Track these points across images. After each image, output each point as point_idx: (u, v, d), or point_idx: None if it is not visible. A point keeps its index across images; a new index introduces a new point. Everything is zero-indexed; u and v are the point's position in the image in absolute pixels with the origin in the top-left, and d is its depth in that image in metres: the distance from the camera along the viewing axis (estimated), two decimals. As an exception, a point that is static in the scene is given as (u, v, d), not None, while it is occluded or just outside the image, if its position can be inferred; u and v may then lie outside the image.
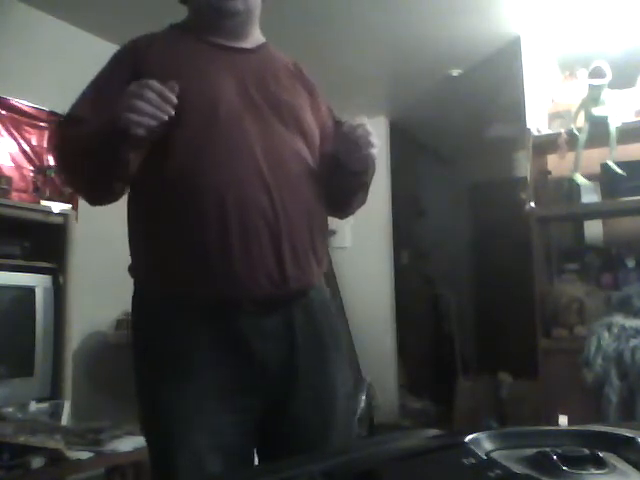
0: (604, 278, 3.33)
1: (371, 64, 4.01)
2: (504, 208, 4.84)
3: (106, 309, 3.27)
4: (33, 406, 2.49)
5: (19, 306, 2.67)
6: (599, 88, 3.04)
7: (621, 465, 0.59)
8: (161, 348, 1.25)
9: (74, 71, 3.21)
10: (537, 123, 3.40)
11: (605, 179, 3.22)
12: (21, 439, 2.13)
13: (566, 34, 3.52)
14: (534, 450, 0.60)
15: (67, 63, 3.22)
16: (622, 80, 3.11)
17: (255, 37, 1.43)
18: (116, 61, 1.35)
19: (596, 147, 3.18)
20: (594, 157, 3.23)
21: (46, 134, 3.18)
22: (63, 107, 3.31)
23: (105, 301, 3.22)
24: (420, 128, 5.28)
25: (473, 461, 0.58)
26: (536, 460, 0.58)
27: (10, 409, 2.39)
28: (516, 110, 3.50)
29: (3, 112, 2.97)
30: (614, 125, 3.07)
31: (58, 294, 2.75)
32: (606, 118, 3.08)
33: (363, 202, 1.50)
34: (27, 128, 3.09)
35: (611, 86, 3.06)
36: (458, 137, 5.32)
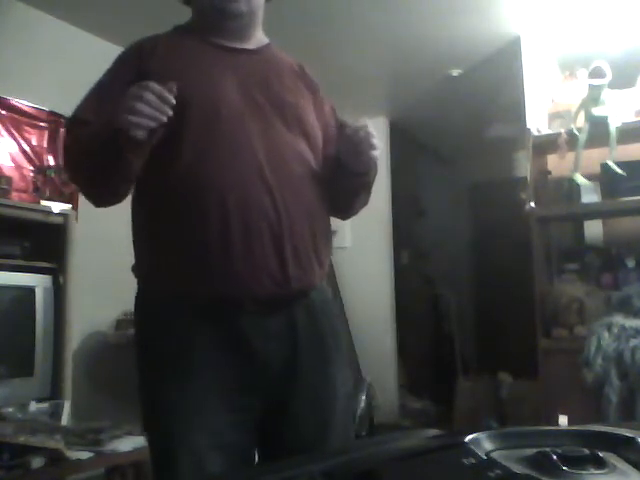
0: (604, 278, 3.33)
1: (371, 64, 4.01)
2: (504, 208, 4.84)
3: (106, 309, 3.27)
4: (33, 406, 2.49)
5: (19, 306, 2.67)
6: (599, 88, 3.04)
7: (621, 465, 0.59)
8: (163, 347, 1.26)
9: (74, 71, 3.22)
10: (537, 123, 3.40)
11: (605, 179, 3.22)
12: (21, 439, 2.14)
13: (566, 34, 3.52)
14: (534, 450, 0.60)
15: (67, 63, 3.22)
16: (622, 80, 3.11)
17: (258, 38, 1.43)
18: (120, 62, 1.35)
19: (596, 147, 3.18)
20: (594, 157, 3.23)
21: (46, 134, 3.18)
22: (63, 107, 3.30)
23: (105, 301, 3.22)
24: (420, 128, 5.28)
25: (473, 461, 0.58)
26: (536, 460, 0.58)
27: (10, 409, 2.39)
28: (516, 110, 3.50)
29: (3, 112, 2.97)
30: (614, 125, 3.07)
31: (58, 294, 2.75)
32: (606, 118, 3.08)
33: (366, 203, 1.50)
34: (27, 128, 3.08)
35: (611, 86, 3.05)
36: (458, 137, 5.32)
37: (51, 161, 3.17)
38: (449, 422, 4.25)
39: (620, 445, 0.63)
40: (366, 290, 4.85)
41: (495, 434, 0.65)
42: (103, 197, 1.31)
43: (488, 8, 3.30)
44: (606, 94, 3.07)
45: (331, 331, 1.36)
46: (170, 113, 1.14)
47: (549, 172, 3.52)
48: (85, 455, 2.29)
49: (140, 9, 3.11)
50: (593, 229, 3.59)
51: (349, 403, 1.46)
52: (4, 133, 2.98)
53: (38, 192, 2.98)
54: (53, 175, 3.06)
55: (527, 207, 3.29)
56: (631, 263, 3.29)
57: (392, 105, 4.83)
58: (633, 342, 2.55)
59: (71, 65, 3.23)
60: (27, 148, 3.07)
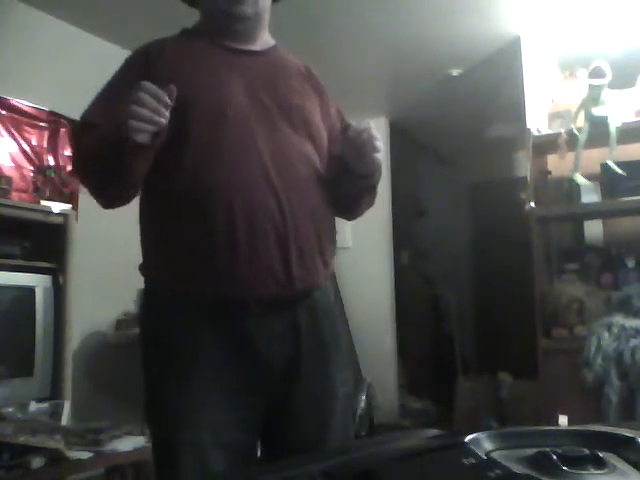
0: (604, 278, 3.33)
1: (371, 64, 4.01)
2: (504, 208, 4.84)
3: (106, 309, 3.27)
4: (33, 406, 2.49)
5: (19, 306, 2.67)
6: (599, 88, 3.04)
7: (621, 465, 0.59)
8: (168, 346, 1.27)
9: (74, 71, 3.23)
10: (537, 123, 3.40)
11: (605, 179, 3.22)
12: (21, 439, 2.14)
13: (566, 34, 3.52)
14: (534, 450, 0.60)
15: (67, 63, 3.22)
16: (622, 80, 3.11)
17: (265, 40, 1.44)
18: (127, 66, 1.36)
19: (596, 147, 3.18)
20: (594, 157, 3.22)
21: (46, 134, 3.18)
22: (63, 107, 3.30)
23: (105, 301, 3.22)
24: (420, 128, 5.28)
25: (473, 461, 0.58)
26: (536, 460, 0.59)
27: (10, 409, 2.39)
28: (516, 110, 3.50)
29: (3, 112, 2.97)
30: (614, 125, 3.07)
31: (58, 294, 2.75)
32: (606, 118, 3.07)
33: (371, 204, 1.51)
34: (27, 128, 3.08)
35: (611, 86, 3.05)
36: (458, 137, 5.32)
37: (51, 161, 3.17)
38: (449, 422, 4.25)
39: (620, 445, 0.63)
40: (366, 290, 4.85)
41: (495, 434, 0.65)
42: (111, 199, 1.32)
43: (488, 8, 3.30)
44: (606, 94, 3.07)
45: (331, 331, 1.36)
46: (167, 115, 1.14)
47: (549, 172, 3.52)
48: (85, 455, 2.29)
49: (140, 9, 3.11)
50: (593, 229, 3.59)
51: (349, 403, 1.47)
52: (4, 133, 2.98)
53: (38, 192, 2.98)
54: (53, 175, 3.06)
55: (527, 207, 3.28)
56: (631, 263, 3.29)
57: (392, 105, 4.83)
58: (633, 342, 2.55)
59: (71, 65, 3.24)
60: (27, 148, 3.07)
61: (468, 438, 0.63)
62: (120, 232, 2.95)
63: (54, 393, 2.67)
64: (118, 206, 1.33)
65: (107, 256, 3.20)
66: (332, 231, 1.39)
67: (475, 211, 6.10)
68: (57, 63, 3.19)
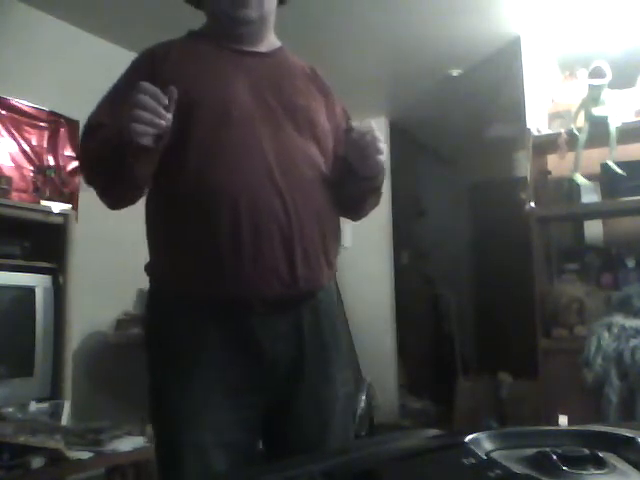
0: (604, 278, 3.33)
1: (371, 64, 4.01)
2: (504, 208, 4.83)
3: (106, 309, 3.27)
4: (33, 406, 2.49)
5: (19, 306, 2.67)
6: (599, 88, 3.04)
7: (621, 465, 0.59)
8: (171, 347, 1.27)
9: (74, 71, 3.23)
10: (537, 123, 3.40)
11: (605, 179, 3.22)
12: (21, 439, 2.14)
13: (566, 34, 3.52)
14: (534, 450, 0.60)
15: (67, 63, 3.22)
16: (622, 80, 3.11)
17: (271, 41, 1.44)
18: (133, 69, 1.37)
19: (596, 147, 3.18)
20: (594, 157, 3.22)
21: (46, 134, 3.17)
22: (63, 107, 3.31)
23: (105, 301, 3.23)
24: (420, 128, 5.28)
25: (473, 461, 0.58)
26: (536, 460, 0.58)
27: (10, 409, 2.39)
28: (516, 110, 3.50)
29: (3, 112, 2.97)
30: (614, 125, 3.07)
31: (58, 294, 2.75)
32: (606, 118, 3.08)
33: (376, 205, 1.52)
34: (27, 128, 3.08)
35: (611, 86, 3.05)
36: (458, 137, 5.32)
37: (51, 161, 3.17)
38: (449, 422, 4.25)
39: (620, 445, 0.63)
40: (366, 290, 4.85)
41: (495, 434, 0.65)
42: (116, 200, 1.33)
43: (488, 8, 3.30)
44: (606, 94, 3.07)
45: (331, 331, 1.37)
46: (168, 117, 1.14)
47: (549, 172, 3.52)
48: (85, 455, 2.29)
49: (140, 9, 3.11)
50: (593, 229, 3.59)
51: (349, 404, 1.47)
52: (4, 133, 2.98)
53: (38, 192, 2.98)
54: (53, 175, 3.06)
55: (527, 207, 3.28)
56: (631, 263, 3.29)
57: (392, 105, 4.82)
58: (633, 342, 2.55)
59: (71, 65, 3.24)
60: (27, 148, 3.07)
61: (468, 438, 0.63)
62: (120, 232, 2.95)
63: (54, 393, 2.67)
64: (124, 207, 1.33)
65: (107, 256, 3.20)
66: (337, 231, 1.39)
67: (475, 211, 6.10)
68: (57, 63, 3.19)
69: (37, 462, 2.12)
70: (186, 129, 1.23)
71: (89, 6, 3.14)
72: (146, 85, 1.13)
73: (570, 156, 3.21)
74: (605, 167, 3.15)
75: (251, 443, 1.30)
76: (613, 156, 3.10)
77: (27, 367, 2.61)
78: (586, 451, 0.58)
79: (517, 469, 0.57)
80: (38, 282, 2.70)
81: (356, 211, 1.51)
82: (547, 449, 0.59)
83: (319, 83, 1.45)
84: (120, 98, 1.27)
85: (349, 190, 1.39)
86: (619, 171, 3.09)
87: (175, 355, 1.26)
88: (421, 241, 5.59)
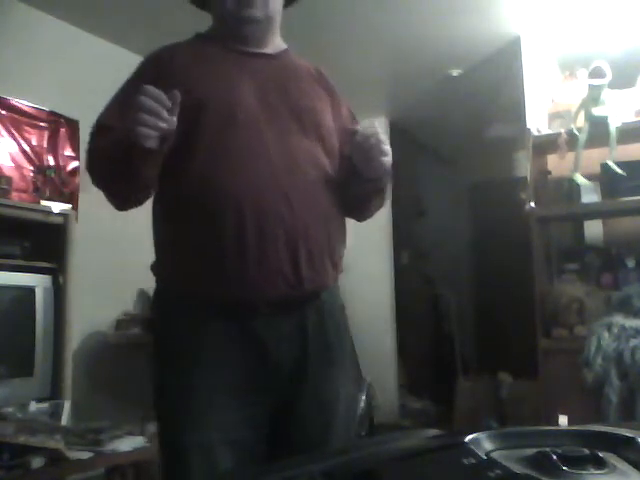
0: (604, 278, 3.33)
1: (371, 64, 4.01)
2: (504, 208, 4.84)
3: (106, 309, 3.27)
4: (33, 406, 2.49)
5: (19, 306, 2.67)
6: (599, 88, 3.04)
7: (621, 465, 0.59)
8: (176, 347, 1.28)
9: (74, 71, 3.23)
10: (537, 123, 3.40)
11: (605, 179, 3.22)
12: (21, 439, 2.14)
13: (566, 34, 3.52)
14: (534, 450, 0.60)
15: (67, 63, 3.22)
16: (622, 80, 3.11)
17: (276, 43, 1.44)
18: (138, 73, 1.37)
19: (596, 147, 3.18)
20: (594, 157, 3.22)
21: (46, 134, 3.17)
22: (63, 107, 3.31)
23: (105, 301, 3.22)
24: (420, 128, 5.28)
25: (473, 461, 0.58)
26: (536, 460, 0.58)
27: (10, 409, 2.39)
28: (516, 110, 3.50)
29: (3, 112, 2.97)
30: (614, 125, 3.07)
31: (58, 294, 2.75)
32: (606, 118, 3.08)
33: (381, 206, 1.54)
34: (27, 128, 3.08)
35: (611, 86, 3.05)
36: (458, 137, 5.32)
37: (51, 161, 3.17)
38: (449, 422, 4.25)
39: (620, 445, 0.62)
40: (366, 290, 4.84)
41: (495, 434, 0.65)
42: (123, 201, 1.33)
43: (488, 8, 3.30)
44: (606, 94, 3.07)
45: (335, 332, 1.37)
46: (173, 120, 1.14)
47: (549, 172, 3.52)
48: (85, 455, 2.29)
49: (140, 10, 3.10)
50: (593, 229, 3.59)
51: (351, 404, 1.47)
52: (4, 133, 2.98)
53: (38, 192, 2.98)
54: (53, 175, 3.06)
55: (527, 207, 3.28)
56: (631, 263, 3.29)
57: (392, 105, 4.82)
58: (633, 342, 2.54)
59: (71, 65, 3.24)
60: (27, 148, 3.07)
61: (468, 438, 0.63)
62: (120, 232, 2.95)
63: (54, 393, 2.67)
64: (131, 208, 1.34)
65: (107, 256, 3.20)
66: (342, 232, 1.40)
67: (475, 211, 6.10)
68: (57, 63, 3.19)
69: (37, 462, 2.12)
70: (192, 131, 1.24)
71: (89, 6, 3.14)
72: (150, 88, 1.13)
73: (570, 156, 3.21)
74: (605, 167, 3.15)
75: (256, 441, 1.30)
76: (613, 156, 3.10)
77: (27, 367, 2.61)
78: (586, 451, 0.58)
79: (517, 469, 0.57)
80: (38, 282, 2.70)
81: (361, 211, 1.51)
82: (547, 449, 0.59)
83: (325, 83, 1.45)
84: (124, 104, 1.27)
85: (354, 191, 1.39)
86: (619, 171, 3.09)
87: (179, 355, 1.27)
88: (421, 241, 5.59)
